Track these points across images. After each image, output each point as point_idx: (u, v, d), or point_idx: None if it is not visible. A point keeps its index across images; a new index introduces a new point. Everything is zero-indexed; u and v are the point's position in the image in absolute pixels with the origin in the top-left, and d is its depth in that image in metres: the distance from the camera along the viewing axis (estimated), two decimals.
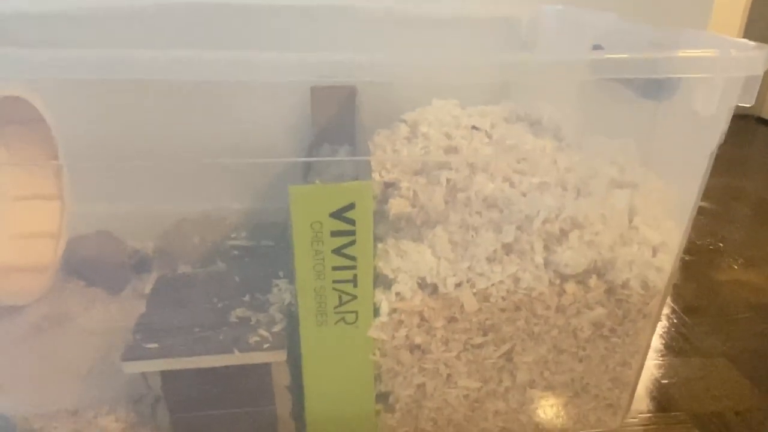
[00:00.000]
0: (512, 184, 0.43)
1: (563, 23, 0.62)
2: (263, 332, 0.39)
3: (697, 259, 0.79)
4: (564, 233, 0.38)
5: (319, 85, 0.59)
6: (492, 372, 0.42)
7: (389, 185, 0.45)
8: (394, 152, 0.51)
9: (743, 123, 1.51)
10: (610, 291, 0.40)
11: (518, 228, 0.38)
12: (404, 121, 0.56)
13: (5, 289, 0.53)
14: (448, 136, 0.52)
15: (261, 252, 0.55)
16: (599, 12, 0.56)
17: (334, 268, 0.37)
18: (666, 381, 0.55)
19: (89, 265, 0.61)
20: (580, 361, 0.42)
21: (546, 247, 0.39)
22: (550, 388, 0.43)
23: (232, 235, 0.59)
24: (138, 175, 0.62)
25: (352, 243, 0.36)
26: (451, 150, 0.50)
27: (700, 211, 0.41)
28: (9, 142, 0.56)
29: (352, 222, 0.35)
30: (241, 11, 0.60)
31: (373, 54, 0.33)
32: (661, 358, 0.58)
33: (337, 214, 0.35)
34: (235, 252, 0.57)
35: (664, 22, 0.54)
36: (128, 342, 0.39)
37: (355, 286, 0.37)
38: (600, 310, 0.40)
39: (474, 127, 0.55)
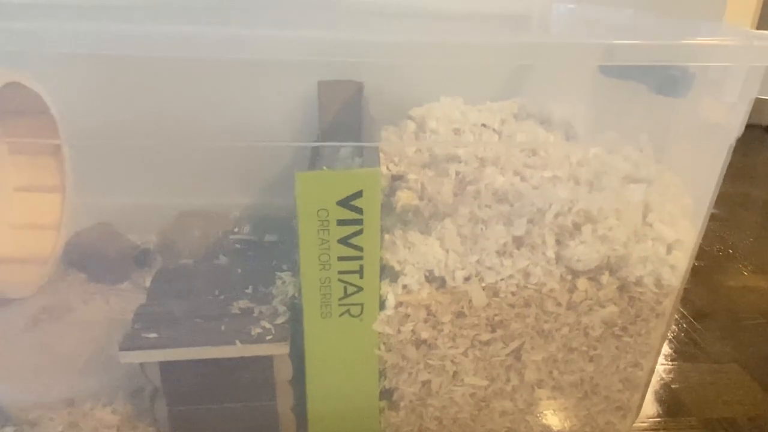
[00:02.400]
0: (523, 178, 0.42)
1: (575, 21, 0.61)
2: (266, 324, 0.38)
3: (706, 265, 0.77)
4: (577, 227, 0.37)
5: (326, 79, 0.59)
6: (499, 370, 0.40)
7: (397, 178, 0.44)
8: (401, 144, 0.50)
9: (750, 132, 1.49)
10: (622, 288, 0.39)
11: (529, 221, 0.37)
12: (411, 118, 0.56)
13: (4, 281, 0.52)
14: (457, 132, 0.51)
15: (264, 246, 0.54)
16: (615, 9, 0.55)
17: (340, 259, 0.36)
18: (676, 386, 0.54)
19: (89, 257, 0.60)
20: (591, 360, 0.41)
21: (558, 241, 0.37)
22: (558, 388, 0.42)
23: (235, 229, 0.59)
24: (140, 169, 0.61)
25: (359, 233, 0.35)
26: (459, 145, 0.49)
27: (710, 217, 0.40)
28: (10, 130, 0.55)
29: (359, 210, 0.34)
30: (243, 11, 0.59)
31: (386, 35, 0.32)
32: (671, 363, 0.57)
33: (345, 202, 0.34)
34: (238, 245, 0.56)
35: (677, 17, 0.53)
36: (126, 331, 0.38)
37: (361, 277, 0.36)
38: (612, 308, 0.39)
39: (484, 125, 0.54)
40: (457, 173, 0.42)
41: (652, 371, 0.43)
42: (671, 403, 0.51)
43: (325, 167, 0.34)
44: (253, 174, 0.65)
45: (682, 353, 0.59)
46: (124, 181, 0.62)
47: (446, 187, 0.41)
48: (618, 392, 0.43)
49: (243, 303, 0.41)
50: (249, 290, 0.43)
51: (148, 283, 0.56)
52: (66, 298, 0.56)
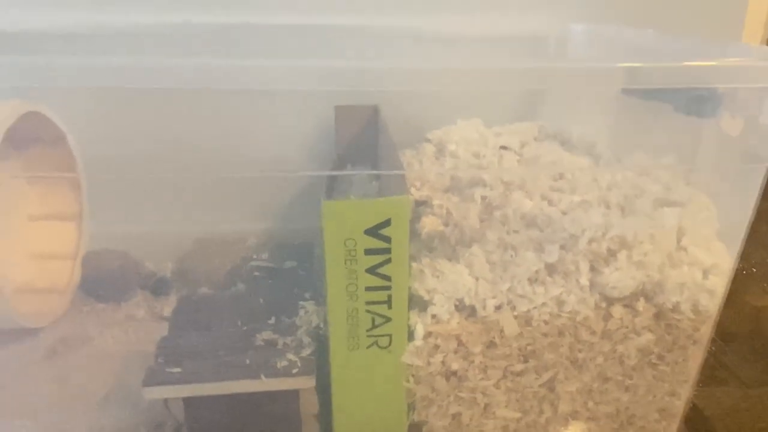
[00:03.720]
0: (551, 202, 0.41)
1: (593, 42, 0.61)
2: (291, 357, 0.37)
3: (731, 284, 0.76)
4: (611, 253, 0.36)
5: (343, 104, 0.58)
6: (533, 402, 0.39)
7: (420, 203, 0.43)
8: (422, 169, 0.49)
9: None
10: (659, 315, 0.38)
11: (562, 247, 0.36)
12: (429, 141, 0.55)
13: (21, 311, 0.52)
14: (477, 155, 0.51)
15: (284, 273, 0.53)
16: (634, 29, 0.55)
17: (368, 289, 0.35)
18: (709, 413, 0.52)
19: (106, 286, 0.59)
20: (627, 390, 0.40)
21: (592, 268, 0.36)
22: (593, 419, 0.40)
23: (254, 257, 0.58)
24: (156, 196, 0.61)
25: (387, 261, 0.34)
26: (481, 168, 0.49)
27: None
28: (28, 160, 0.55)
29: (387, 240, 0.34)
30: (247, 33, 0.59)
31: (400, 61, 0.31)
32: (701, 388, 0.55)
33: (373, 231, 0.33)
34: (257, 273, 0.55)
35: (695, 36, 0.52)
36: (150, 366, 0.37)
37: (390, 307, 0.35)
38: (648, 336, 0.38)
39: (503, 147, 0.54)
40: (483, 198, 0.41)
41: (688, 400, 0.42)
42: (704, 430, 0.50)
43: (352, 196, 0.33)
44: (269, 200, 0.65)
45: (712, 377, 0.57)
46: (139, 209, 0.62)
47: (472, 212, 0.41)
48: (655, 422, 0.41)
49: (267, 334, 0.40)
50: (272, 321, 0.42)
51: (166, 313, 0.55)
52: (83, 329, 0.55)
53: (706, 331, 0.39)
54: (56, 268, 0.58)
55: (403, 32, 0.61)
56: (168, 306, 0.56)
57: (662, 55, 0.49)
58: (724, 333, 0.65)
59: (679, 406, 0.41)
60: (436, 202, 0.42)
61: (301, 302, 0.43)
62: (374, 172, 0.35)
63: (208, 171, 0.59)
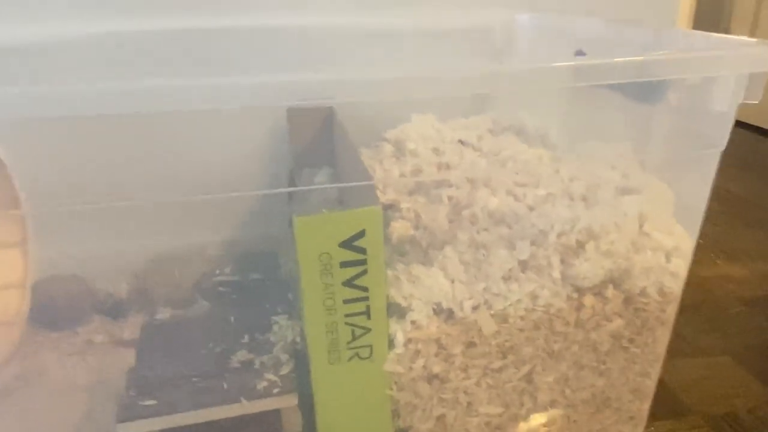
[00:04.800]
0: (517, 198, 0.41)
1: (540, 31, 0.61)
2: (270, 376, 0.36)
3: None
4: (580, 245, 0.37)
5: (296, 106, 0.57)
6: (513, 395, 0.40)
7: (387, 207, 0.43)
8: (385, 171, 0.49)
9: None
10: (627, 300, 0.39)
11: (532, 243, 0.37)
12: (386, 140, 0.55)
13: None
14: (437, 151, 0.51)
15: (250, 287, 0.52)
16: (582, 17, 0.56)
17: (346, 302, 0.34)
18: (673, 385, 0.54)
19: (59, 313, 0.56)
20: (601, 375, 0.41)
21: (562, 261, 0.37)
22: (571, 406, 0.41)
23: (216, 271, 0.56)
24: (104, 213, 0.58)
25: (364, 273, 0.34)
26: (443, 166, 0.49)
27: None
28: None
29: (362, 251, 0.33)
30: (203, 36, 0.57)
31: (347, 71, 0.31)
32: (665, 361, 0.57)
33: (347, 244, 0.33)
34: (222, 288, 0.54)
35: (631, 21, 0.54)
36: (122, 400, 0.35)
37: (369, 318, 0.35)
38: (618, 321, 0.39)
39: (461, 141, 0.54)
40: (450, 198, 0.41)
41: (657, 378, 0.43)
42: (672, 403, 0.52)
43: (324, 210, 0.33)
44: (225, 209, 0.63)
45: (672, 350, 0.59)
46: (86, 228, 0.59)
47: (441, 213, 0.40)
48: (629, 402, 0.43)
49: (242, 354, 0.39)
50: (245, 339, 0.41)
51: (126, 336, 0.53)
52: (40, 361, 0.52)
53: (672, 311, 0.40)
54: (3, 300, 0.55)
55: (348, 29, 0.60)
56: (128, 328, 0.54)
57: (612, 44, 0.50)
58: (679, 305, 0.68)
59: (651, 385, 0.42)
60: (404, 205, 0.41)
61: (273, 317, 0.42)
62: (342, 184, 0.34)
63: (159, 195, 0.56)
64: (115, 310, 0.56)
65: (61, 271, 0.58)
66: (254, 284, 0.52)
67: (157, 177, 0.57)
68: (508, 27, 0.63)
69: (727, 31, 0.99)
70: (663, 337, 0.41)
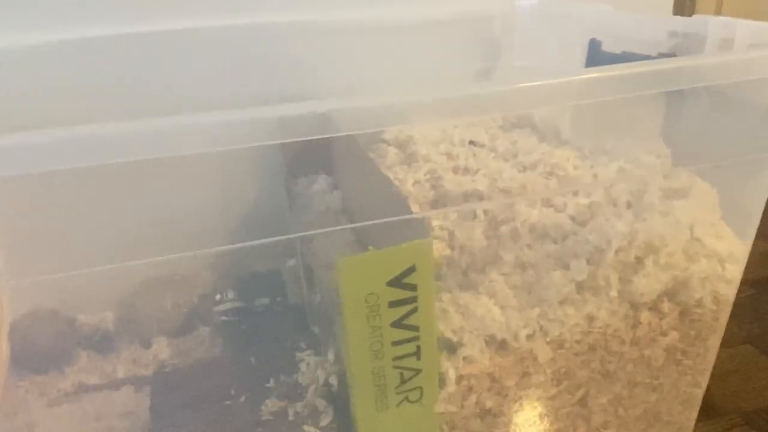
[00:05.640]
0: (557, 208, 0.38)
1: (543, 18, 0.58)
2: (310, 429, 0.33)
3: None
4: (639, 260, 0.34)
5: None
6: (566, 421, 0.37)
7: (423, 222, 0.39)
8: (399, 182, 0.45)
9: None
10: (683, 313, 0.36)
11: (588, 261, 0.34)
12: (386, 141, 0.51)
13: None
14: (450, 155, 0.47)
15: (258, 314, 0.47)
16: (589, 4, 0.53)
17: (394, 344, 0.30)
18: None
19: (41, 354, 0.51)
20: (654, 390, 0.38)
21: (620, 279, 0.34)
22: (623, 425, 0.39)
23: (217, 296, 0.51)
24: (81, 233, 0.53)
25: (414, 311, 0.30)
26: (461, 171, 0.45)
27: None
28: None
29: (412, 287, 0.29)
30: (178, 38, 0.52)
31: (349, 100, 0.26)
32: None
33: (396, 281, 0.29)
34: (225, 318, 0.49)
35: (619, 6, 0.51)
36: None
37: (419, 358, 0.31)
38: (674, 335, 0.36)
39: (472, 142, 0.50)
40: (486, 213, 0.38)
41: (705, 387, 0.41)
42: (704, 403, 0.50)
43: (370, 247, 0.29)
44: (217, 222, 0.58)
45: None
46: (64, 255, 0.53)
47: (477, 230, 0.37)
48: (678, 414, 0.41)
49: (272, 403, 0.35)
50: (270, 383, 0.36)
51: (120, 373, 0.48)
52: (26, 411, 0.47)
53: (725, 320, 0.38)
54: None
55: (341, 23, 0.55)
56: (121, 364, 0.49)
57: (634, 34, 0.47)
58: None
59: (699, 394, 0.41)
60: (435, 222, 0.38)
61: (298, 354, 0.38)
62: (387, 219, 0.30)
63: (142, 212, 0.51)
64: (103, 344, 0.51)
65: (37, 306, 0.52)
66: (261, 311, 0.48)
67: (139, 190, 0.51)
68: (508, 14, 0.59)
69: (692, 9, 0.98)
70: (714, 346, 0.39)
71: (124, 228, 0.53)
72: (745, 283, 0.68)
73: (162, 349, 0.48)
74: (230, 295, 0.51)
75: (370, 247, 0.29)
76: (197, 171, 0.53)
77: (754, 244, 0.78)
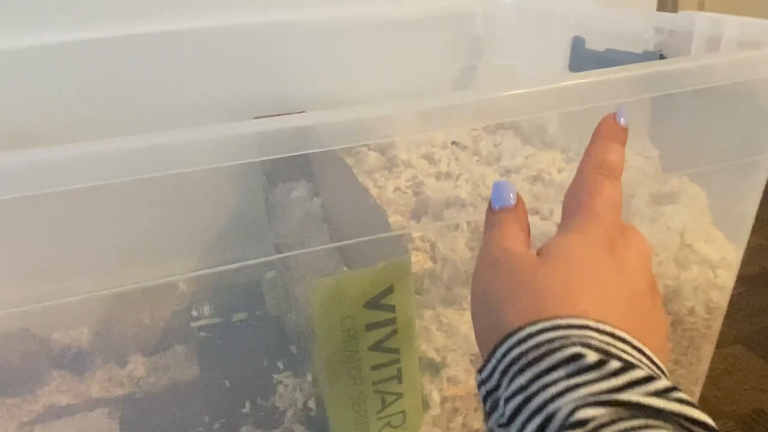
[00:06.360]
0: (542, 216, 0.36)
1: (524, 15, 0.57)
2: None
3: None
4: None
5: (263, 115, 0.51)
6: None
7: (402, 240, 0.38)
8: (379, 189, 0.43)
9: None
10: (675, 323, 0.35)
11: None
12: (367, 146, 0.49)
13: None
14: (431, 159, 0.45)
15: (236, 330, 0.45)
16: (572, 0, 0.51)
17: (374, 368, 0.29)
18: None
19: (12, 375, 0.48)
20: None
21: None
22: None
23: (193, 312, 0.49)
24: (51, 247, 0.50)
25: (393, 333, 0.28)
26: (443, 176, 0.44)
27: None
28: None
29: (391, 309, 0.28)
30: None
31: (329, 115, 0.25)
32: None
33: (374, 303, 0.27)
34: (203, 333, 0.47)
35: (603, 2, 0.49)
36: None
37: (400, 382, 0.30)
38: None
39: (454, 143, 0.49)
40: (469, 223, 0.36)
41: (699, 394, 0.40)
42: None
43: (345, 268, 0.27)
44: (194, 233, 0.56)
45: None
46: (34, 271, 0.51)
47: (460, 241, 0.35)
48: None
49: (248, 429, 0.33)
50: (246, 408, 0.35)
51: (94, 392, 0.46)
52: None
53: (717, 327, 0.37)
54: None
55: (329, 22, 0.53)
56: (95, 384, 0.47)
57: (611, 28, 0.46)
58: None
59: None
60: (416, 233, 0.36)
61: (275, 375, 0.36)
62: (366, 238, 0.28)
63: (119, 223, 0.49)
64: (77, 363, 0.49)
65: (6, 326, 0.50)
66: (239, 327, 0.46)
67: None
68: (491, 12, 0.58)
69: (676, 5, 0.97)
70: (708, 354, 0.37)
71: (100, 245, 0.51)
72: (736, 280, 0.67)
73: (137, 368, 0.46)
74: (206, 310, 0.49)
75: (344, 268, 0.27)
76: (173, 183, 0.51)
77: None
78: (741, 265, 0.70)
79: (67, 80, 0.47)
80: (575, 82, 0.26)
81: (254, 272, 0.53)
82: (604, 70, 0.27)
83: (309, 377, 0.35)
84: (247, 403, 0.35)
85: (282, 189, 0.48)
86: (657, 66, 0.27)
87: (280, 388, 0.35)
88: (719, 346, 0.56)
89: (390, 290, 0.27)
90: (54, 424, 0.44)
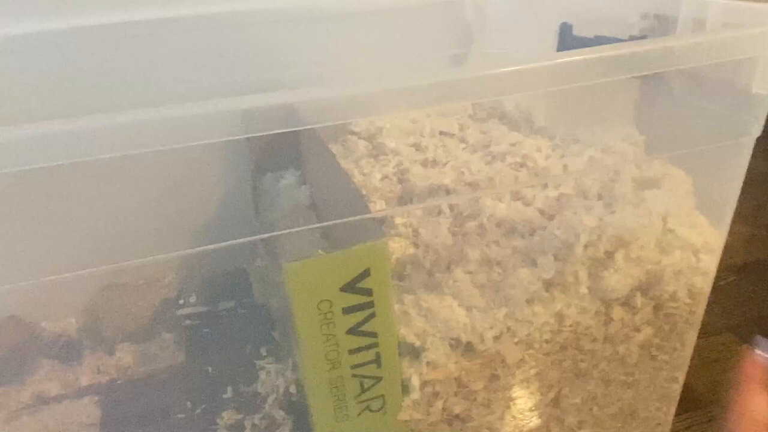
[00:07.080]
0: (525, 201, 0.36)
1: (513, 2, 0.56)
2: None
3: None
4: (609, 255, 0.33)
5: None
6: (539, 423, 0.36)
7: (379, 223, 0.38)
8: (365, 176, 0.43)
9: None
10: (657, 307, 0.35)
11: (556, 258, 0.32)
12: (356, 134, 0.49)
13: None
14: (419, 147, 0.45)
15: (222, 318, 0.45)
16: None
17: (352, 352, 0.29)
18: None
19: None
20: (629, 387, 0.37)
21: (590, 274, 0.33)
22: (599, 424, 0.38)
23: (180, 300, 0.49)
24: (41, 237, 0.50)
25: (371, 316, 0.28)
26: (430, 164, 0.43)
27: None
28: None
29: (368, 292, 0.28)
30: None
31: (313, 91, 0.25)
32: None
33: (350, 287, 0.27)
34: (189, 321, 0.47)
35: None
36: None
37: (379, 366, 0.30)
38: (648, 330, 0.35)
39: (442, 132, 0.49)
40: (452, 208, 0.36)
41: (683, 381, 0.40)
42: (686, 395, 0.49)
43: (320, 251, 0.27)
44: (180, 223, 0.56)
45: None
46: (19, 259, 0.51)
47: (442, 227, 0.35)
48: (656, 410, 0.39)
49: (228, 415, 0.33)
50: (228, 393, 0.35)
51: (83, 382, 0.46)
52: None
53: (701, 312, 0.37)
54: None
55: (317, 10, 0.53)
56: (84, 373, 0.47)
57: (599, 14, 0.45)
58: None
59: (677, 388, 0.39)
60: (399, 219, 0.36)
61: (257, 362, 0.36)
62: (341, 220, 0.28)
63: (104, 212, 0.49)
64: (66, 353, 0.49)
65: None
66: (225, 315, 0.46)
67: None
68: None
69: None
70: (691, 340, 0.37)
71: (85, 231, 0.50)
72: (727, 269, 0.67)
73: (125, 356, 0.46)
74: (192, 299, 0.49)
75: (319, 251, 0.27)
76: (159, 168, 0.51)
77: (737, 229, 0.77)
78: (735, 254, 0.70)
79: (50, 69, 0.47)
80: (558, 61, 0.26)
81: (243, 261, 0.53)
82: (589, 49, 0.27)
83: (291, 363, 0.35)
84: (229, 389, 0.35)
85: (270, 178, 0.48)
86: (642, 45, 0.27)
87: (263, 374, 0.35)
88: (709, 334, 0.56)
89: (366, 273, 0.27)
90: (42, 413, 0.44)
